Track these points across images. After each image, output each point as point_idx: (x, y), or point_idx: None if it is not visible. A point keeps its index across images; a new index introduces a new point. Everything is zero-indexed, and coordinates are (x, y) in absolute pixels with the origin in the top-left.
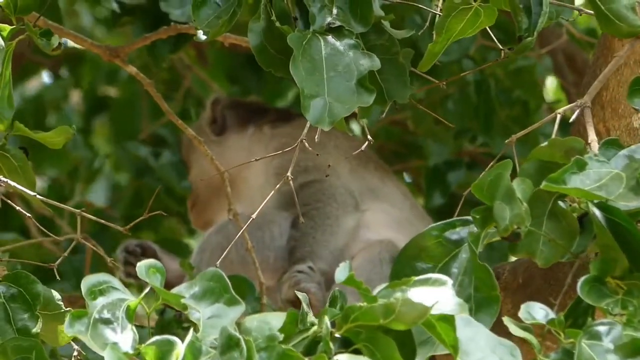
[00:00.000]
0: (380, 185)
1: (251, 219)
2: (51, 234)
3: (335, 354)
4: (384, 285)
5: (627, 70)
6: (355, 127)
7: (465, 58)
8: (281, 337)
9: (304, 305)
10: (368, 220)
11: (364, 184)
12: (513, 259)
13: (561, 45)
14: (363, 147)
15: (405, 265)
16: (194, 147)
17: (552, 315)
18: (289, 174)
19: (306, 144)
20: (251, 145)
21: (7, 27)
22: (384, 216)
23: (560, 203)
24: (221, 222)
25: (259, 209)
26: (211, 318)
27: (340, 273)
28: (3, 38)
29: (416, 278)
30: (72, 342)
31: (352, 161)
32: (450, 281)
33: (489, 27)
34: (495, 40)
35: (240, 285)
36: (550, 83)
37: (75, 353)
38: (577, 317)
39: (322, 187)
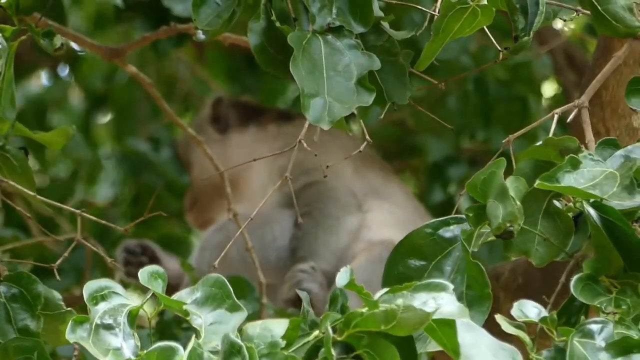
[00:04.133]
0: (384, 185)
1: (250, 218)
2: (51, 234)
3: (337, 359)
4: (385, 290)
5: (626, 70)
6: (355, 127)
7: (464, 54)
8: (283, 343)
9: (305, 304)
10: (370, 220)
11: (367, 184)
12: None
13: (561, 45)
14: (361, 148)
15: (398, 262)
16: (195, 146)
17: (544, 313)
18: (287, 174)
19: (310, 141)
20: (255, 144)
21: (10, 28)
22: (387, 216)
23: (556, 202)
24: (222, 221)
25: (258, 207)
26: (213, 324)
27: (341, 278)
28: (5, 39)
29: (418, 283)
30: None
31: (356, 162)
32: (451, 286)
33: (487, 27)
34: (494, 40)
35: (240, 286)
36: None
37: (76, 353)
38: (570, 315)
39: (325, 188)
